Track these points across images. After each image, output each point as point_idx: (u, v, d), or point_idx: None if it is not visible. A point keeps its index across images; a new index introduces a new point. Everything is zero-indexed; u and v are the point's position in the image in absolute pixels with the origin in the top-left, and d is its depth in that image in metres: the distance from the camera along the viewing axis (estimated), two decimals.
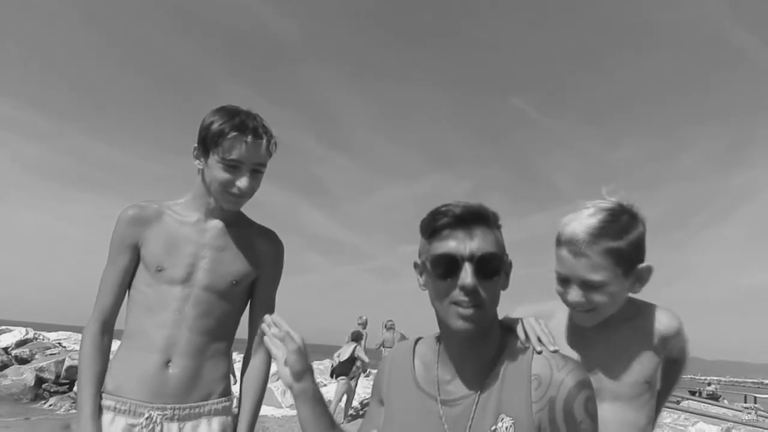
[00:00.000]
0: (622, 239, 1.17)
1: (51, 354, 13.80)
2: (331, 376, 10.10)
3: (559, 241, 1.23)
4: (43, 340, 15.60)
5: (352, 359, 9.68)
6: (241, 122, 1.44)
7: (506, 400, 1.01)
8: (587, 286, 1.19)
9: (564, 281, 1.23)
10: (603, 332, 1.28)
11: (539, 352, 1.04)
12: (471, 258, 0.98)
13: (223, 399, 1.54)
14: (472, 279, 0.97)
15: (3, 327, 16.12)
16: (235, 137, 1.42)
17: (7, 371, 12.30)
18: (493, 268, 1.01)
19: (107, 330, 1.52)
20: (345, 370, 9.65)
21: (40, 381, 11.98)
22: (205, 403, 1.50)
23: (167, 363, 1.45)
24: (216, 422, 1.50)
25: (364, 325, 10.42)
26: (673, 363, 1.42)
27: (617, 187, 1.27)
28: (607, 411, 1.23)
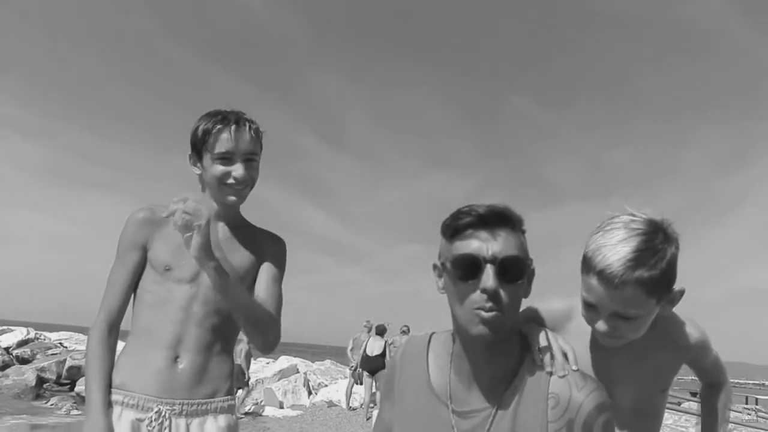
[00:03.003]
0: (657, 268, 1.05)
1: (52, 354, 13.83)
2: (355, 371, 10.13)
3: (589, 268, 1.09)
4: (44, 340, 15.63)
5: (384, 354, 9.69)
6: (223, 117, 1.52)
7: (521, 418, 0.97)
8: (618, 317, 1.10)
9: (592, 308, 1.13)
10: (623, 350, 1.21)
11: (549, 373, 0.99)
12: (493, 260, 0.93)
13: (229, 397, 1.56)
14: (494, 281, 0.92)
15: (4, 327, 16.15)
16: (219, 130, 1.49)
17: (8, 371, 12.32)
18: (516, 272, 0.95)
19: (114, 330, 1.54)
20: (379, 364, 9.62)
21: (41, 381, 12.00)
22: (212, 400, 1.51)
23: (176, 359, 1.48)
24: (222, 419, 1.52)
25: (370, 329, 10.45)
26: (709, 387, 1.39)
27: (642, 203, 1.15)
28: (622, 417, 1.20)
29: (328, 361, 16.30)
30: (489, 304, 0.93)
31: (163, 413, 1.44)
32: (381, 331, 10.08)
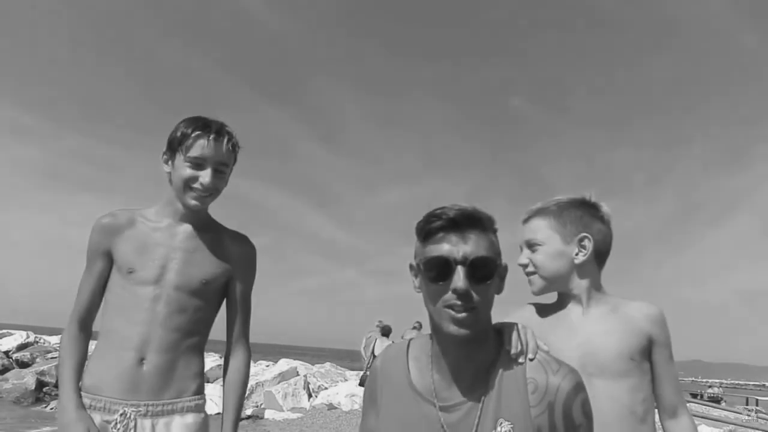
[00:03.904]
0: (561, 213, 1.43)
1: (52, 358, 13.79)
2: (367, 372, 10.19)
3: None
4: (43, 343, 15.60)
5: None
6: (205, 124, 1.56)
7: (504, 405, 1.02)
8: (529, 246, 1.45)
9: (520, 249, 1.48)
10: (583, 316, 1.41)
11: (519, 362, 1.06)
12: (464, 261, 0.99)
13: (197, 397, 1.58)
14: (464, 282, 0.98)
15: (4, 331, 16.13)
16: (198, 135, 1.54)
17: (8, 375, 12.31)
18: (485, 272, 1.01)
19: (84, 328, 1.61)
20: None
21: (40, 384, 11.97)
22: (179, 400, 1.54)
23: (141, 360, 1.50)
24: (189, 417, 1.54)
25: (382, 328, 10.47)
26: (671, 414, 1.39)
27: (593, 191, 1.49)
28: (597, 387, 1.26)
29: (328, 364, 16.24)
30: (460, 304, 0.99)
31: (128, 414, 1.47)
32: (387, 332, 10.09)
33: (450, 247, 1.00)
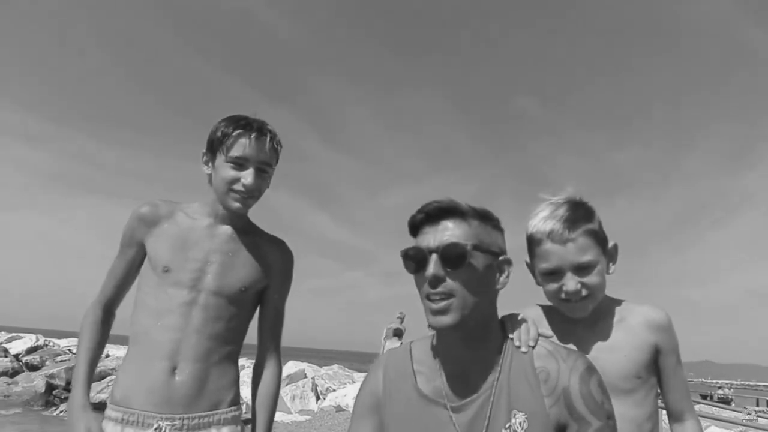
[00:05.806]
0: (593, 221, 1.27)
1: (61, 360, 13.88)
2: None
3: (539, 240, 1.27)
4: (53, 346, 15.70)
5: None
6: (246, 123, 1.50)
7: (515, 396, 1.00)
8: (580, 269, 1.24)
9: (554, 274, 1.26)
10: (590, 330, 1.32)
11: (523, 351, 1.05)
12: (436, 249, 1.00)
13: (233, 408, 1.52)
14: (434, 268, 0.99)
15: (14, 334, 16.26)
16: (239, 134, 1.48)
17: (18, 378, 12.40)
18: (457, 256, 1.00)
19: (108, 314, 1.58)
20: None
21: (50, 388, 12.06)
22: (215, 412, 1.48)
23: (174, 370, 1.44)
24: (226, 430, 1.49)
25: (402, 319, 10.42)
26: (679, 421, 1.37)
27: (562, 189, 1.35)
28: None
29: (336, 366, 16.24)
30: (435, 291, 0.99)
31: (163, 429, 1.41)
32: (398, 334, 9.99)
33: (426, 237, 1.03)
